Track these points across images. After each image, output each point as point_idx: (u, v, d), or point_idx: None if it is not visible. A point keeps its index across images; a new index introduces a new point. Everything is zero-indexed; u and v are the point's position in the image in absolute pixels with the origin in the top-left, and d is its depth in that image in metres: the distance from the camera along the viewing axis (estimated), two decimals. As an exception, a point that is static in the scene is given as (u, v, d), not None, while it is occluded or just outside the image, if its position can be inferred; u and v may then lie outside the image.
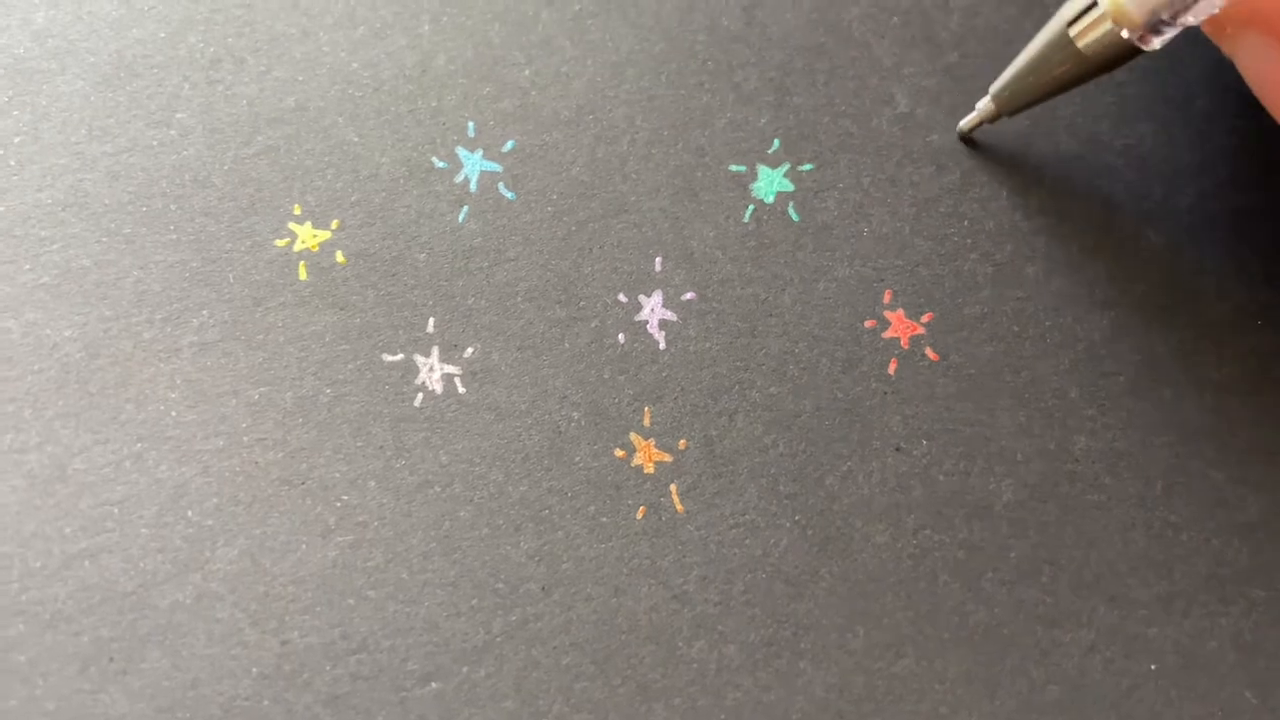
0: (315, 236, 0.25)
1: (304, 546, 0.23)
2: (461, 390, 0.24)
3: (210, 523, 0.23)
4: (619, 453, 0.24)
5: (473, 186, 0.25)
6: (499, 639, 0.22)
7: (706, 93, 0.26)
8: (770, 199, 0.26)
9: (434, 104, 0.26)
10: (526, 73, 0.26)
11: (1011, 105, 0.25)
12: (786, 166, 0.26)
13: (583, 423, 0.24)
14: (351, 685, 0.22)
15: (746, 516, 0.23)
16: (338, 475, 0.23)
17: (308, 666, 0.22)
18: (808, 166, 0.26)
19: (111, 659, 0.22)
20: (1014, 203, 0.26)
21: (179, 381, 0.24)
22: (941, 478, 0.24)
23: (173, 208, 0.25)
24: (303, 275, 0.25)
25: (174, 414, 0.23)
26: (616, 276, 0.25)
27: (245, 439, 0.23)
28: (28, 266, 0.24)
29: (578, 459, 0.23)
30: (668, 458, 0.24)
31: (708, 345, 0.24)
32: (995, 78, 0.25)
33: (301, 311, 0.24)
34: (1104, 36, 0.22)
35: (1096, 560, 0.23)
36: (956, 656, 0.22)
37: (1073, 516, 0.23)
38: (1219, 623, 0.23)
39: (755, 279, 0.25)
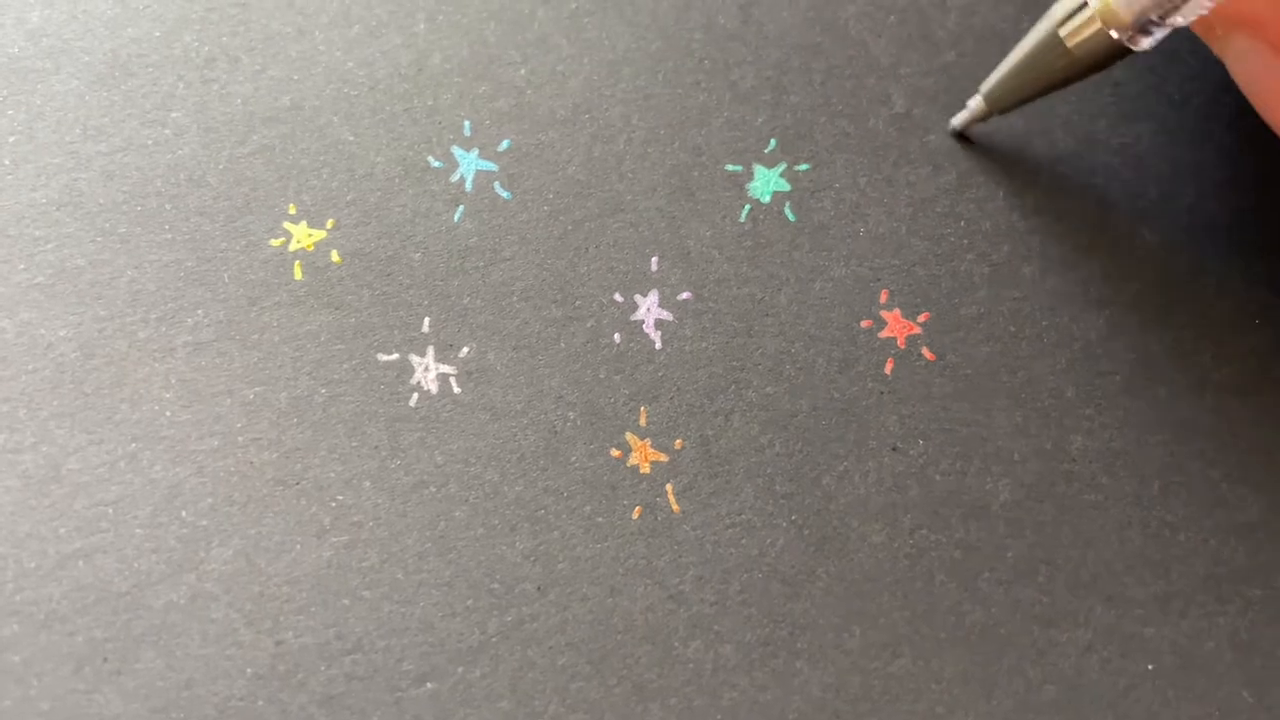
0: (310, 236, 0.25)
1: (299, 546, 0.23)
2: (457, 390, 0.24)
3: (205, 523, 0.23)
4: (615, 452, 0.24)
5: (468, 186, 0.25)
6: (494, 639, 0.22)
7: (703, 92, 0.26)
8: (767, 199, 0.26)
9: (430, 103, 0.26)
10: (522, 71, 0.26)
11: (1002, 104, 0.25)
12: (783, 166, 0.26)
13: (578, 422, 0.24)
14: (346, 685, 0.22)
15: (743, 516, 0.23)
16: (333, 475, 0.23)
17: (302, 667, 0.22)
18: (804, 166, 0.26)
19: (106, 659, 0.22)
20: (1011, 202, 0.26)
21: (174, 381, 0.24)
22: (938, 477, 0.23)
23: (168, 207, 0.25)
24: (298, 275, 0.25)
25: (169, 414, 0.23)
26: (612, 276, 0.25)
27: (240, 439, 0.23)
28: (22, 266, 0.24)
29: (573, 459, 0.23)
30: (664, 457, 0.24)
31: (704, 345, 0.24)
32: (992, 77, 0.25)
33: (296, 311, 0.24)
34: (1093, 37, 0.22)
35: (1093, 560, 0.23)
36: (953, 656, 0.22)
37: (1069, 516, 0.23)
38: (1216, 622, 0.23)
39: (751, 279, 0.25)
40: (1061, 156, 0.26)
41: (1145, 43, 0.21)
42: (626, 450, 0.24)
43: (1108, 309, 0.25)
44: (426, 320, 0.24)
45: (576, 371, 0.24)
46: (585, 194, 0.25)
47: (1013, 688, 0.22)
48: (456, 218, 0.25)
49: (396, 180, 0.25)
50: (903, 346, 0.24)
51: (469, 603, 0.22)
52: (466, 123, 0.26)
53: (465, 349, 0.24)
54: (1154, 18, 0.21)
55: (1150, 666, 0.22)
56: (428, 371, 0.24)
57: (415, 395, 0.24)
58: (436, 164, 0.26)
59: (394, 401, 0.24)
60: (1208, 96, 0.26)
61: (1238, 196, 0.26)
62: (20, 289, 0.24)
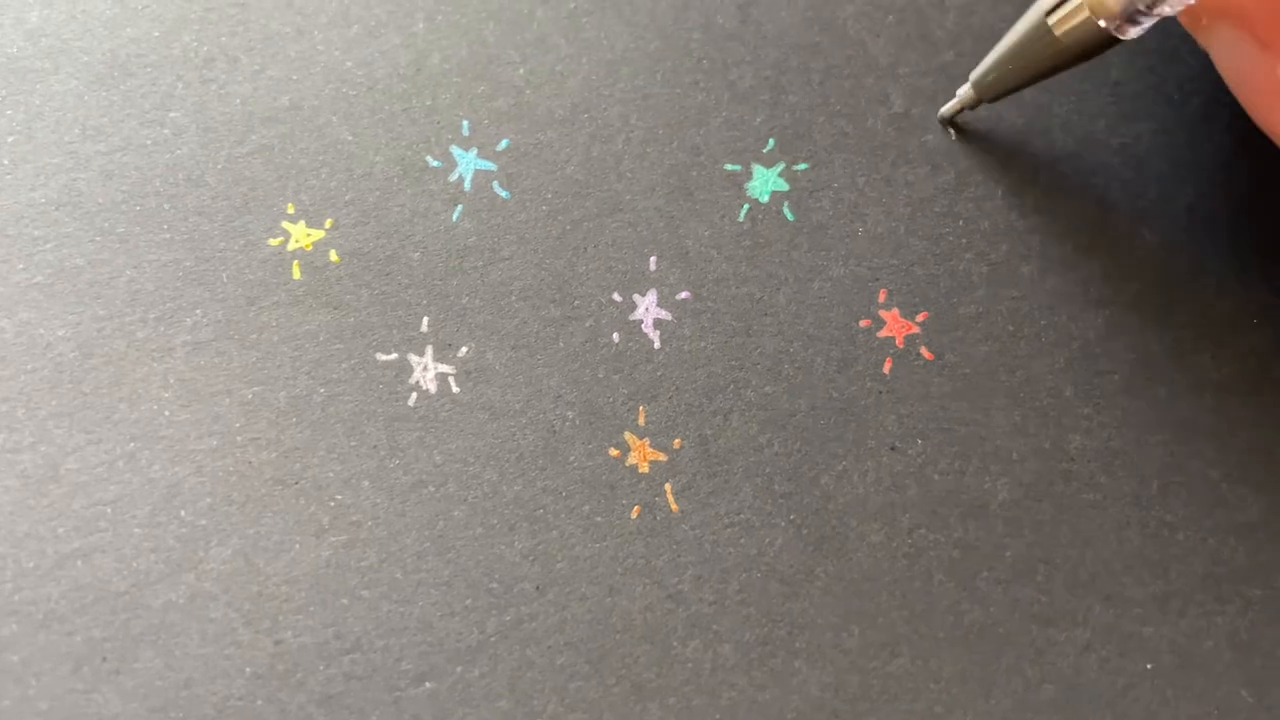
0: (309, 235, 0.25)
1: (298, 546, 0.23)
2: (456, 390, 0.24)
3: (204, 522, 0.23)
4: (613, 452, 0.24)
5: (467, 185, 0.25)
6: (493, 639, 0.22)
7: (701, 91, 0.26)
8: (765, 198, 0.26)
9: (428, 102, 0.26)
10: (521, 71, 0.26)
11: (991, 92, 0.25)
12: (781, 166, 0.26)
13: (577, 422, 0.24)
14: (345, 685, 0.22)
15: (741, 516, 0.23)
16: (331, 475, 0.23)
17: (301, 666, 0.22)
18: (803, 166, 0.26)
19: (105, 659, 0.22)
20: (1009, 202, 0.26)
21: (172, 381, 0.24)
22: (936, 477, 0.23)
23: (166, 207, 0.25)
24: (296, 274, 0.25)
25: (167, 413, 0.23)
26: (611, 276, 0.25)
27: (239, 438, 0.23)
28: (21, 266, 0.24)
29: (572, 458, 0.23)
30: (662, 457, 0.24)
31: (702, 344, 0.24)
32: (991, 77, 0.25)
33: (295, 311, 0.24)
34: (1081, 25, 0.22)
35: (1092, 559, 0.23)
36: (951, 656, 0.22)
37: (1068, 515, 0.23)
38: (1215, 622, 0.23)
39: (750, 278, 0.25)
40: (1060, 156, 0.26)
41: (1133, 32, 0.21)
42: (625, 450, 0.24)
43: (1107, 309, 0.25)
44: (425, 320, 0.24)
45: (575, 371, 0.24)
46: (584, 193, 0.25)
47: (1011, 687, 0.22)
48: (455, 217, 0.25)
49: (395, 180, 0.25)
50: (901, 346, 0.24)
51: (468, 602, 0.22)
52: (465, 122, 0.26)
53: (464, 348, 0.24)
54: (1141, 7, 0.21)
55: (1149, 666, 0.22)
56: (426, 371, 0.24)
57: (414, 395, 0.24)
58: (435, 163, 0.26)
59: (393, 401, 0.24)
60: (1207, 96, 0.26)
61: (1237, 197, 0.26)
62: (19, 289, 0.24)
